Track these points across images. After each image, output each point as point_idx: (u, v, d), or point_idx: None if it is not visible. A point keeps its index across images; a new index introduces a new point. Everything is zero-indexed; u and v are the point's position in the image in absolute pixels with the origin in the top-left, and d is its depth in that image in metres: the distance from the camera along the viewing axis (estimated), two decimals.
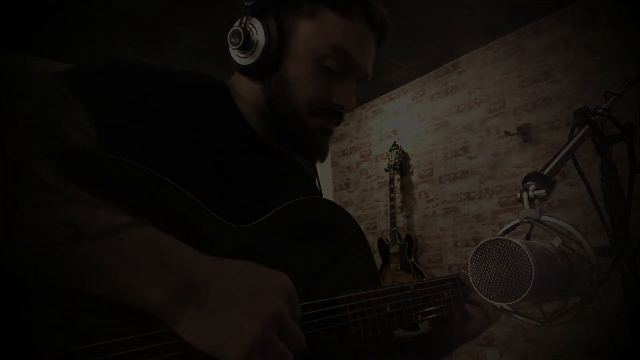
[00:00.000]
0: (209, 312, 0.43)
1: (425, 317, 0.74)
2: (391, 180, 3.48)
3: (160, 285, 0.42)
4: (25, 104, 0.47)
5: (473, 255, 0.62)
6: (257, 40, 0.67)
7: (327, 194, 4.16)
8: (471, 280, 0.62)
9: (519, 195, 0.66)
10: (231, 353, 0.43)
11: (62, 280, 0.40)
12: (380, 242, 3.49)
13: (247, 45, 0.67)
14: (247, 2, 0.68)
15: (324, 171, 4.32)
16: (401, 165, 3.60)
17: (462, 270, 0.83)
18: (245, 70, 0.69)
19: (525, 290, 0.56)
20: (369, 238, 3.56)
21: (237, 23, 0.69)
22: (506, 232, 0.75)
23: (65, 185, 0.42)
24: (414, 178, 3.63)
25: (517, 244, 0.57)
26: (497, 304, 0.60)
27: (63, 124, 0.50)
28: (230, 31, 0.69)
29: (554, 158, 0.71)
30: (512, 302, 0.58)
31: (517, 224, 0.70)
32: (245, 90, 0.72)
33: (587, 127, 0.79)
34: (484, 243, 0.61)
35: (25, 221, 0.38)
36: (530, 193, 0.65)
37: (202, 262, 0.45)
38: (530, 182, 0.66)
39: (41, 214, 0.39)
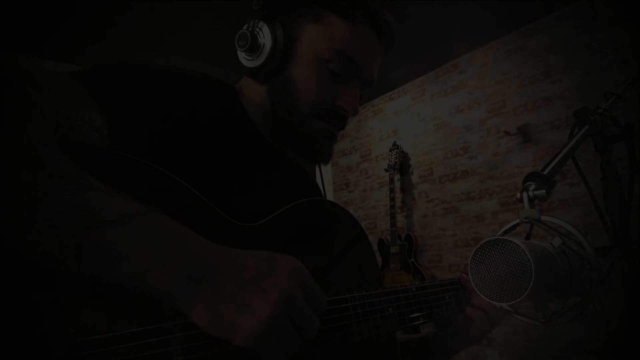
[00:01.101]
0: (221, 295, 0.44)
1: (427, 320, 0.74)
2: (391, 180, 3.48)
3: (173, 270, 0.42)
4: (41, 101, 0.48)
5: (473, 255, 0.62)
6: (264, 44, 0.68)
7: (328, 194, 4.14)
8: (471, 280, 0.62)
9: (519, 195, 0.66)
10: (245, 334, 0.43)
11: (77, 267, 0.41)
12: (380, 242, 3.50)
13: (253, 47, 0.68)
14: (254, 6, 0.69)
15: (324, 171, 4.32)
16: (401, 165, 3.60)
17: (463, 275, 0.83)
18: (251, 72, 0.70)
19: (525, 290, 0.56)
20: (369, 238, 3.54)
21: (245, 26, 0.70)
22: (506, 232, 0.75)
23: (80, 174, 0.43)
24: (414, 178, 3.63)
25: (517, 244, 0.58)
26: (497, 304, 0.60)
27: (76, 121, 0.51)
28: (238, 34, 0.70)
29: (554, 158, 0.71)
30: (512, 302, 0.58)
31: (517, 224, 0.70)
32: (252, 92, 0.73)
33: (587, 127, 0.79)
34: (484, 243, 0.61)
35: (41, 208, 0.39)
36: (530, 193, 0.65)
37: (213, 248, 0.46)
38: (530, 182, 0.66)
39: (56, 201, 0.40)
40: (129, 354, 0.42)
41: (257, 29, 0.69)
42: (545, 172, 0.67)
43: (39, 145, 0.42)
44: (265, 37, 0.68)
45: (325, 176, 4.34)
